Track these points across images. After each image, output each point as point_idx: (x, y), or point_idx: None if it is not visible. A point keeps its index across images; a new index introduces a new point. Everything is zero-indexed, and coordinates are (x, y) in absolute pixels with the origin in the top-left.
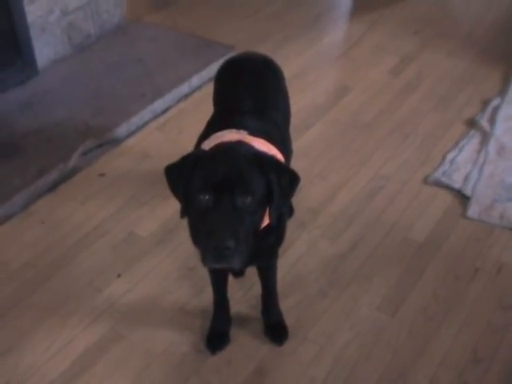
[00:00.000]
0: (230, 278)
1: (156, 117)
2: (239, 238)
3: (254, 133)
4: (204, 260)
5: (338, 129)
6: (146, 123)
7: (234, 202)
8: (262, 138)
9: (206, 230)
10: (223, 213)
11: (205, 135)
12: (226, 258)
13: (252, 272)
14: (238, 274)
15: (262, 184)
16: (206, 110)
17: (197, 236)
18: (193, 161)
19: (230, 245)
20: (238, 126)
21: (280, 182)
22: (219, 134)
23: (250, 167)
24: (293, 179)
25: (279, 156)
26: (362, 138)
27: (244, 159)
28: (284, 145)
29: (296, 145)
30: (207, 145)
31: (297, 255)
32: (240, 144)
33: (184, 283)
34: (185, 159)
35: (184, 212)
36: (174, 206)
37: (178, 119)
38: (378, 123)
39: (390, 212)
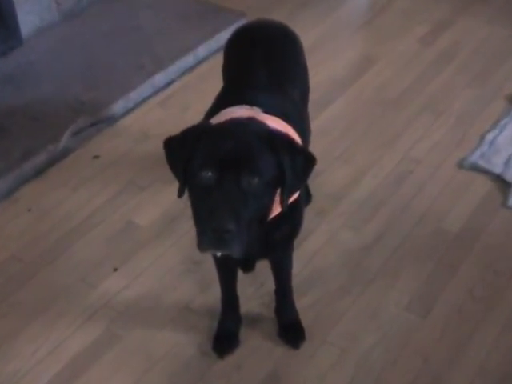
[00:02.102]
0: (240, 273)
1: (157, 92)
2: (241, 222)
3: (268, 110)
4: (199, 244)
5: (362, 106)
6: (145, 99)
7: (239, 182)
8: (276, 116)
9: (205, 209)
10: (226, 192)
11: (213, 111)
12: (225, 242)
13: (264, 266)
14: (248, 268)
15: (273, 165)
16: (214, 84)
17: (197, 217)
18: (196, 134)
19: (230, 228)
20: (250, 103)
21: (293, 163)
22: (229, 109)
23: (260, 145)
24: (308, 161)
25: (295, 136)
26: (388, 117)
27: (254, 136)
28: (301, 124)
29: (314, 124)
30: (215, 121)
31: (315, 247)
32: (251, 120)
33: (188, 278)
34: (187, 131)
35: (182, 190)
36: (176, 191)
37: (182, 94)
38: (407, 100)
39: (420, 199)
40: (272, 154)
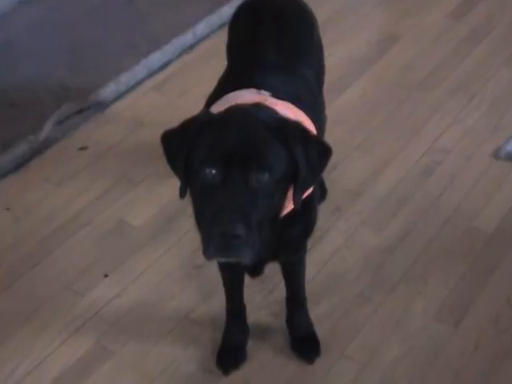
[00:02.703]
0: (247, 278)
1: (152, 74)
2: (252, 225)
3: (278, 94)
4: (205, 250)
5: (384, 88)
6: (139, 82)
7: (247, 179)
8: (287, 100)
9: (210, 212)
10: (233, 192)
11: (215, 96)
12: (234, 249)
13: (274, 270)
14: (256, 272)
15: (284, 158)
16: (216, 65)
17: (200, 221)
18: (197, 126)
19: (239, 232)
20: (258, 85)
21: (307, 155)
22: (233, 94)
23: (270, 136)
24: (323, 152)
25: (309, 124)
26: (414, 101)
27: (262, 126)
28: (316, 109)
29: (331, 109)
30: (217, 108)
31: (331, 249)
32: (258, 107)
33: (189, 285)
34: (187, 124)
35: (184, 190)
36: (175, 187)
37: (180, 77)
38: (435, 81)
39: (449, 195)
40: (283, 145)
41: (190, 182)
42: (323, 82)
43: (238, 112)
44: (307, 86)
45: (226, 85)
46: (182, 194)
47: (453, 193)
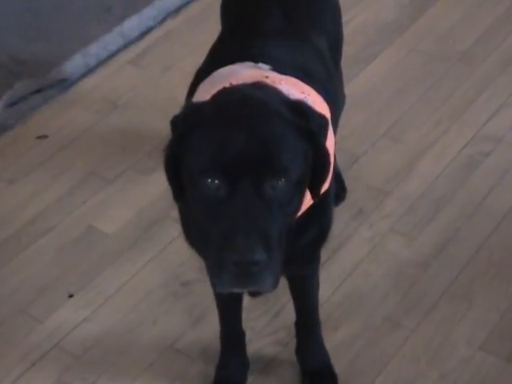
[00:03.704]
0: (246, 297)
1: (128, 44)
2: (271, 245)
3: (281, 67)
4: (217, 283)
5: (418, 62)
6: (112, 55)
7: (259, 188)
8: (293, 75)
9: (218, 234)
10: (245, 207)
11: (205, 71)
12: (254, 277)
13: (281, 287)
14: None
15: (301, 154)
16: (208, 31)
17: (199, 238)
18: (187, 126)
19: (259, 258)
20: (257, 57)
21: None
22: (225, 70)
23: (282, 130)
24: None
25: (319, 103)
26: (454, 77)
27: (271, 117)
28: (330, 87)
29: (351, 87)
30: (206, 89)
31: (352, 261)
32: (260, 89)
33: (174, 306)
34: (174, 123)
35: (177, 195)
36: (157, 185)
37: (164, 47)
38: (482, 53)
39: (499, 194)
40: (299, 138)
41: (187, 191)
42: (341, 53)
43: (235, 98)
44: (319, 58)
45: (217, 56)
46: (176, 197)
47: (504, 192)
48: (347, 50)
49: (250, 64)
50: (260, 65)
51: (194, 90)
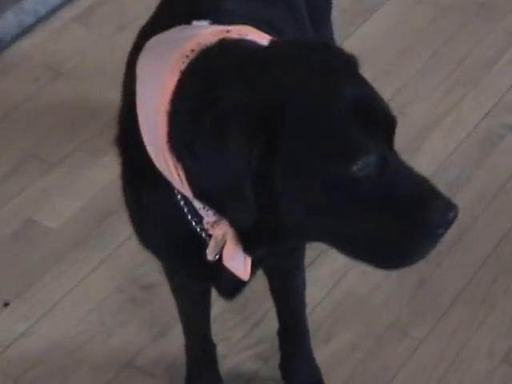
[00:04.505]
0: (220, 302)
1: None
2: None
3: (236, 22)
4: (420, 252)
5: (425, 15)
6: (53, 11)
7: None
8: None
9: (394, 207)
10: (404, 165)
11: (149, 30)
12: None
13: (262, 290)
14: (232, 291)
15: None
16: None
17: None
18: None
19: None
20: (208, 11)
21: None
22: (156, 41)
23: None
24: None
25: None
26: (472, 33)
27: (341, 65)
28: None
29: (347, 46)
30: (158, 57)
31: (347, 259)
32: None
33: (132, 316)
34: (235, 109)
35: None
36: (110, 169)
37: (116, 2)
38: (503, 4)
39: None
40: None
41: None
42: (330, 7)
43: (287, 59)
44: (292, 12)
45: (164, 13)
46: (247, 223)
47: None
48: (341, 2)
49: (185, 27)
50: (202, 23)
51: (136, 55)
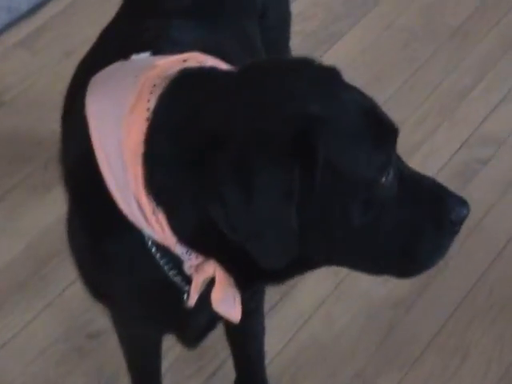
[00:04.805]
0: (175, 351)
1: (17, 21)
2: None
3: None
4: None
5: (396, 41)
6: None
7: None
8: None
9: (410, 212)
10: (416, 171)
11: (92, 62)
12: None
13: (219, 338)
14: (198, 338)
15: None
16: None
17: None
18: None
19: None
20: (153, 41)
21: None
22: (105, 77)
23: None
24: None
25: None
26: (445, 57)
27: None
28: None
29: None
30: (111, 91)
31: (312, 301)
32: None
33: (78, 367)
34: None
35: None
36: (55, 205)
37: (63, 26)
38: (479, 27)
39: (502, 211)
40: None
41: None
42: (288, 35)
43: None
44: (242, 42)
45: (105, 43)
46: (284, 261)
47: (507, 209)
48: (305, 28)
49: (124, 62)
50: (134, 56)
51: (77, 89)
